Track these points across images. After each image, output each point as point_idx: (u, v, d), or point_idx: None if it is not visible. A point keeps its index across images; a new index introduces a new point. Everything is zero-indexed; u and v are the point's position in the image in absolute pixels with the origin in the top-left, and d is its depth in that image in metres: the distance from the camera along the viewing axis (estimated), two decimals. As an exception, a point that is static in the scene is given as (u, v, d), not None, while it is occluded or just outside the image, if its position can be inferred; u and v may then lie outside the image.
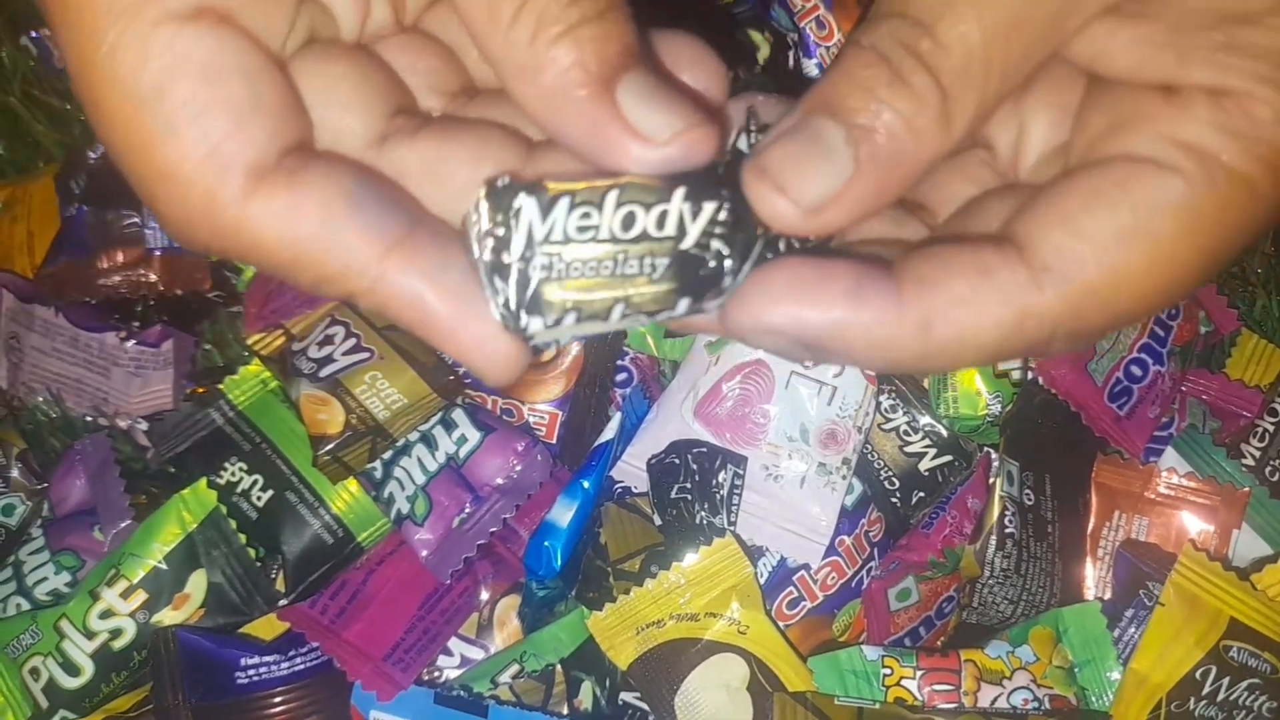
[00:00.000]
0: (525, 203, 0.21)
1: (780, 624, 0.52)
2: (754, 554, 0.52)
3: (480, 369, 0.23)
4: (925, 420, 0.55)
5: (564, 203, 0.22)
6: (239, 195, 0.21)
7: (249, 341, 0.59)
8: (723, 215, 0.23)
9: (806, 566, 0.53)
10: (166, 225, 0.23)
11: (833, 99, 0.22)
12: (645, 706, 0.51)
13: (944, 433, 0.55)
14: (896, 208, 0.27)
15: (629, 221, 0.22)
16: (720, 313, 0.23)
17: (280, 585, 0.55)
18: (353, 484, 0.55)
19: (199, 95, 0.21)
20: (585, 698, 0.53)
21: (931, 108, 0.22)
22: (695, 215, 0.22)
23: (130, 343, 0.62)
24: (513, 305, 0.22)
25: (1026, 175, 0.27)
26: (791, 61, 0.63)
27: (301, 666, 0.52)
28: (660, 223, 0.22)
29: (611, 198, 0.22)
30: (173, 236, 0.23)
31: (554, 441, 0.57)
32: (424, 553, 0.53)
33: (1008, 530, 0.52)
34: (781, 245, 0.23)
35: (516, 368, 0.23)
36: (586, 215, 0.22)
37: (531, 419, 0.57)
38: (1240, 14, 0.22)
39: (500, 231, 0.21)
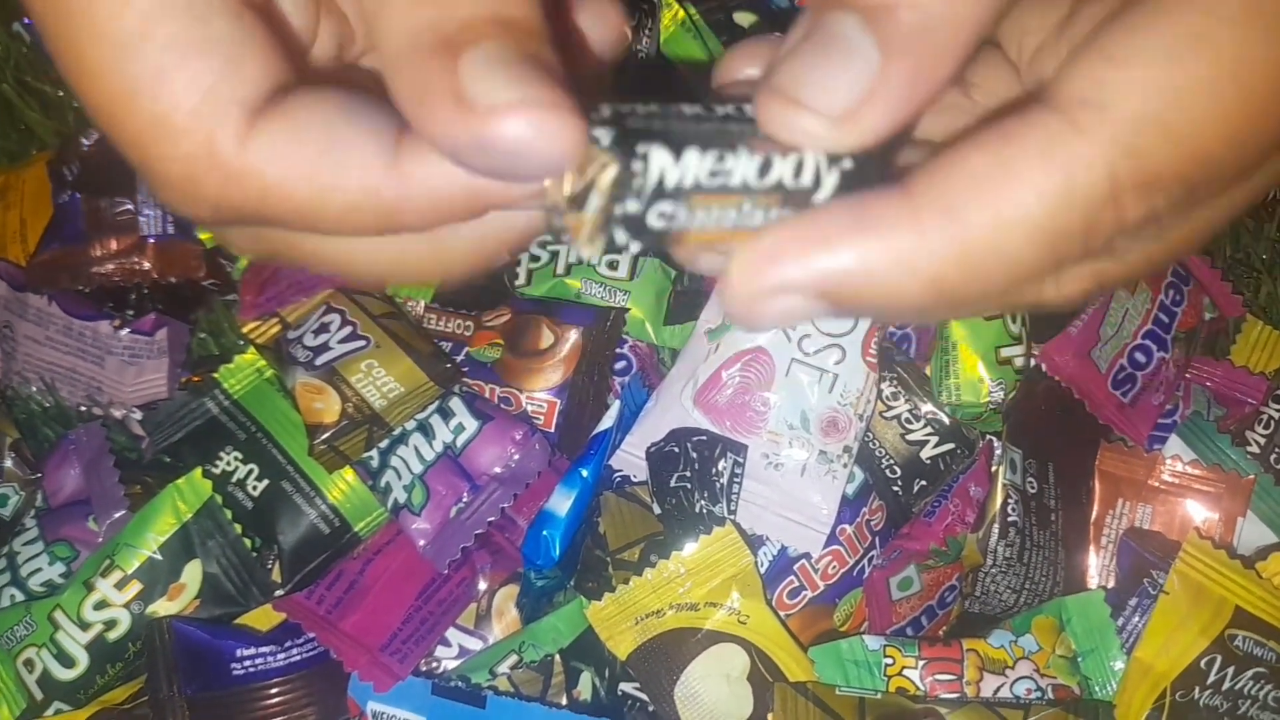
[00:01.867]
0: (654, 149, 0.19)
1: (781, 614, 0.51)
2: (754, 543, 0.52)
3: (544, 157, 0.18)
4: (927, 408, 0.55)
5: (695, 148, 0.19)
6: (240, 137, 0.19)
7: (244, 330, 0.58)
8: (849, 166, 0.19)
9: (807, 555, 0.52)
10: (167, 190, 0.20)
11: None
12: (645, 697, 0.51)
13: (946, 420, 0.55)
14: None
15: (765, 168, 0.19)
16: (720, 298, 0.20)
17: (276, 575, 0.55)
18: (349, 473, 0.55)
19: (185, 35, 0.19)
20: (584, 688, 0.52)
21: None
22: (831, 165, 0.19)
23: (124, 331, 0.61)
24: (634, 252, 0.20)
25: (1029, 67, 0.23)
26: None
27: (298, 657, 0.52)
28: (797, 172, 0.19)
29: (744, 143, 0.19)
30: (176, 205, 0.21)
31: (552, 430, 0.56)
32: (421, 542, 0.53)
33: (1010, 518, 0.52)
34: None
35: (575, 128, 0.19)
36: (720, 159, 0.19)
37: (530, 407, 0.56)
38: None
39: (625, 180, 0.19)
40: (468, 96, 0.18)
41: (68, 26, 0.19)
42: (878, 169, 0.19)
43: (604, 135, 0.18)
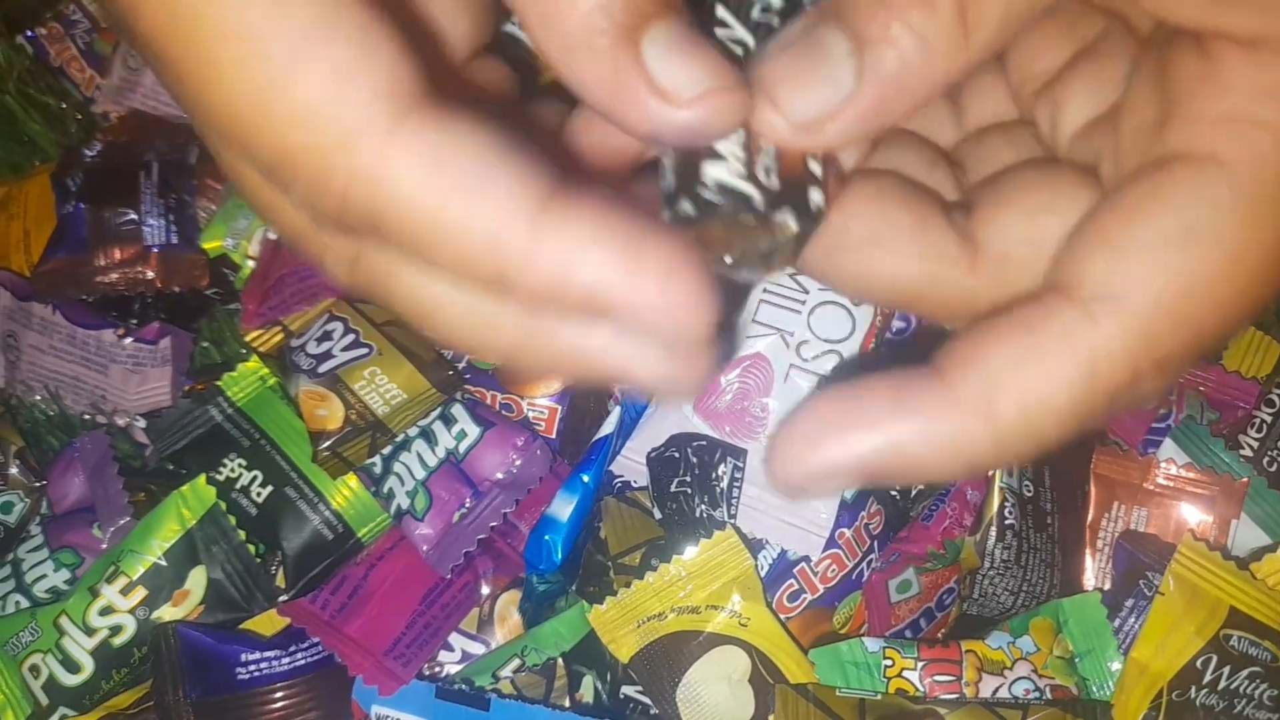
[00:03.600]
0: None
1: (781, 616, 0.52)
2: (754, 547, 0.52)
3: (672, 324, 0.19)
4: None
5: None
6: (382, 129, 0.18)
7: (247, 338, 0.59)
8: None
9: (807, 559, 0.53)
10: (296, 186, 0.19)
11: (841, 6, 0.20)
12: (647, 700, 0.51)
13: (943, 425, 0.55)
14: (933, 154, 0.24)
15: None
16: (766, 470, 0.21)
17: (280, 581, 0.55)
18: (352, 480, 0.55)
19: (321, 20, 0.18)
20: (587, 691, 0.53)
21: (946, 17, 0.19)
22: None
23: (128, 340, 0.62)
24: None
25: (1065, 151, 0.24)
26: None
27: (302, 662, 0.52)
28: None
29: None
30: (302, 200, 0.19)
31: (553, 436, 0.57)
32: (424, 548, 0.53)
33: (1007, 521, 0.52)
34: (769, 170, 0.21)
35: (706, 315, 0.19)
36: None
37: (531, 414, 0.57)
38: None
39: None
40: (663, 88, 0.19)
41: (182, 33, 0.18)
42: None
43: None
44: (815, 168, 0.21)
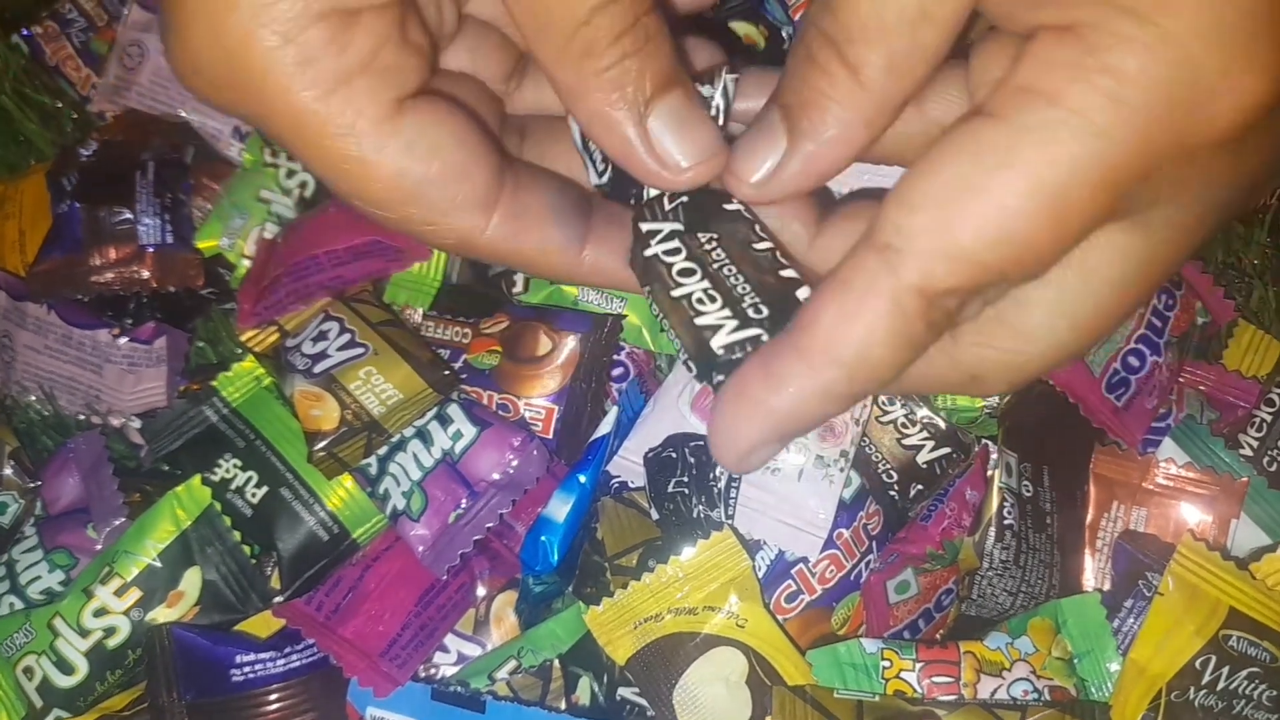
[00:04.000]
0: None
1: (779, 617, 0.51)
2: (752, 547, 0.52)
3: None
4: (923, 412, 0.55)
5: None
6: (480, 228, 0.27)
7: (242, 338, 0.59)
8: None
9: (805, 560, 0.53)
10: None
11: (778, 88, 0.26)
12: (644, 701, 0.51)
13: (942, 425, 0.55)
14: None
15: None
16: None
17: (275, 582, 0.55)
18: (348, 480, 0.55)
19: (429, 169, 0.26)
20: (583, 693, 0.53)
21: (839, 78, 0.24)
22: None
23: (123, 340, 0.62)
24: None
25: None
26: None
27: (297, 663, 0.52)
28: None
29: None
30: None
31: (550, 436, 0.56)
32: (420, 549, 0.53)
33: (1006, 522, 0.52)
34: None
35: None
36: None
37: (528, 414, 0.56)
38: None
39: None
40: (664, 160, 0.26)
41: (346, 175, 0.26)
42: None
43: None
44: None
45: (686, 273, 0.26)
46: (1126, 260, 0.24)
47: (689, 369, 0.26)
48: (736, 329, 0.25)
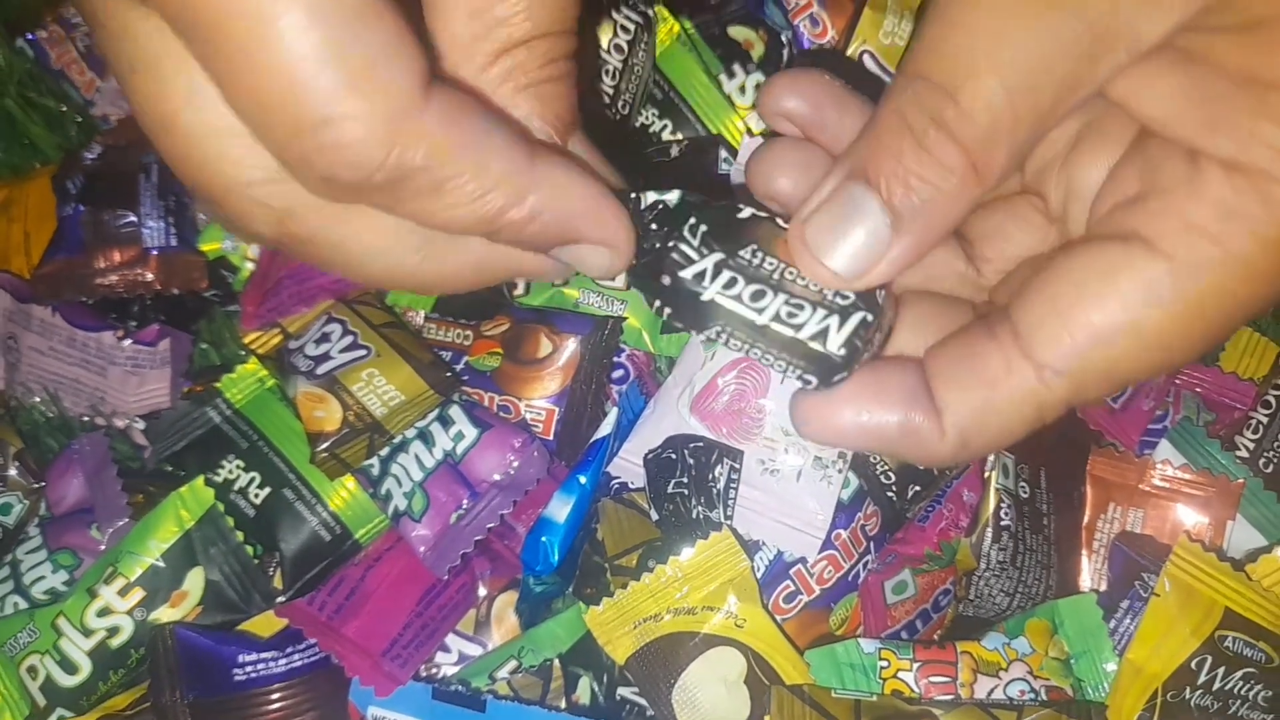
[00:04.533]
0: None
1: (777, 617, 0.52)
2: (751, 548, 0.52)
3: (618, 247, 0.26)
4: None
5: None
6: (420, 95, 0.22)
7: (245, 340, 0.59)
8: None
9: (803, 560, 0.53)
10: (346, 148, 0.23)
11: (866, 164, 0.24)
12: (643, 701, 0.51)
13: (939, 426, 0.55)
14: (954, 250, 0.29)
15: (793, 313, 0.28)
16: (792, 413, 0.27)
17: (278, 582, 0.55)
18: (350, 481, 0.55)
19: (358, 17, 0.22)
20: (583, 693, 0.53)
21: (957, 173, 0.23)
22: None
23: (127, 342, 0.62)
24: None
25: (1075, 227, 0.28)
26: (785, 59, 0.63)
27: (299, 663, 0.52)
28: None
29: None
30: (350, 164, 0.23)
31: (550, 438, 0.57)
32: (422, 549, 0.53)
33: (1003, 523, 0.52)
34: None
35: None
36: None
37: (529, 415, 0.57)
38: (1269, 78, 0.22)
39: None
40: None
41: (238, 56, 0.22)
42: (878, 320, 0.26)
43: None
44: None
45: (758, 295, 0.25)
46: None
47: (807, 383, 0.25)
48: (841, 324, 0.25)
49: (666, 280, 0.26)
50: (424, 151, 0.22)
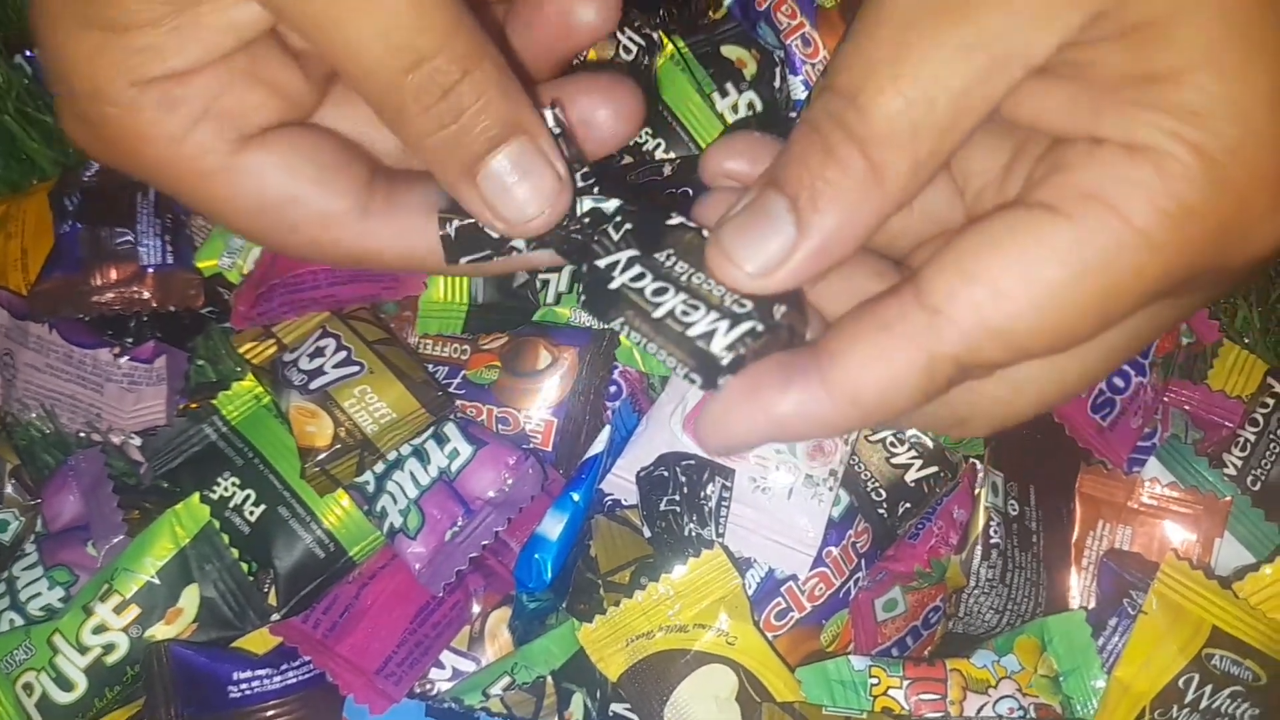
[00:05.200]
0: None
1: (768, 634, 0.52)
2: (742, 565, 0.53)
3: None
4: (911, 432, 0.56)
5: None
6: (356, 227, 0.27)
7: (241, 349, 0.59)
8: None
9: (794, 577, 0.53)
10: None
11: (778, 173, 0.25)
12: (635, 717, 0.52)
13: (930, 444, 0.56)
14: (884, 270, 0.29)
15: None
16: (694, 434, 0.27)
17: (272, 599, 0.56)
18: (344, 498, 0.55)
19: (293, 182, 0.28)
20: (576, 709, 0.53)
21: (858, 175, 0.24)
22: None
23: (123, 359, 0.62)
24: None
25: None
26: (778, 79, 0.64)
27: (294, 680, 0.52)
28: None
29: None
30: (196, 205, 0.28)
31: (549, 449, 0.57)
32: (417, 566, 0.54)
33: (993, 540, 0.53)
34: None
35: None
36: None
37: (527, 427, 0.57)
38: (1159, 72, 0.23)
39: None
40: (505, 214, 0.27)
41: (213, 206, 0.28)
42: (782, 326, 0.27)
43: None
44: None
45: (660, 291, 0.27)
46: (1122, 329, 0.26)
47: (693, 381, 0.26)
48: (730, 328, 0.26)
49: (584, 267, 0.28)
50: (368, 260, 0.29)
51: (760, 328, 0.26)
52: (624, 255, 0.27)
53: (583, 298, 0.28)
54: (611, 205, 0.28)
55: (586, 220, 0.28)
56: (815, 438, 0.27)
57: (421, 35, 0.24)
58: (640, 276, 0.27)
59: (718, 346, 0.26)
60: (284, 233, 0.28)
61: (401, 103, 0.25)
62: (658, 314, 0.26)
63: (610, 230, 0.28)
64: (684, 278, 0.27)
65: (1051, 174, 0.24)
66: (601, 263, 0.27)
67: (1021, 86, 0.24)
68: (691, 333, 0.26)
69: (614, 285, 0.27)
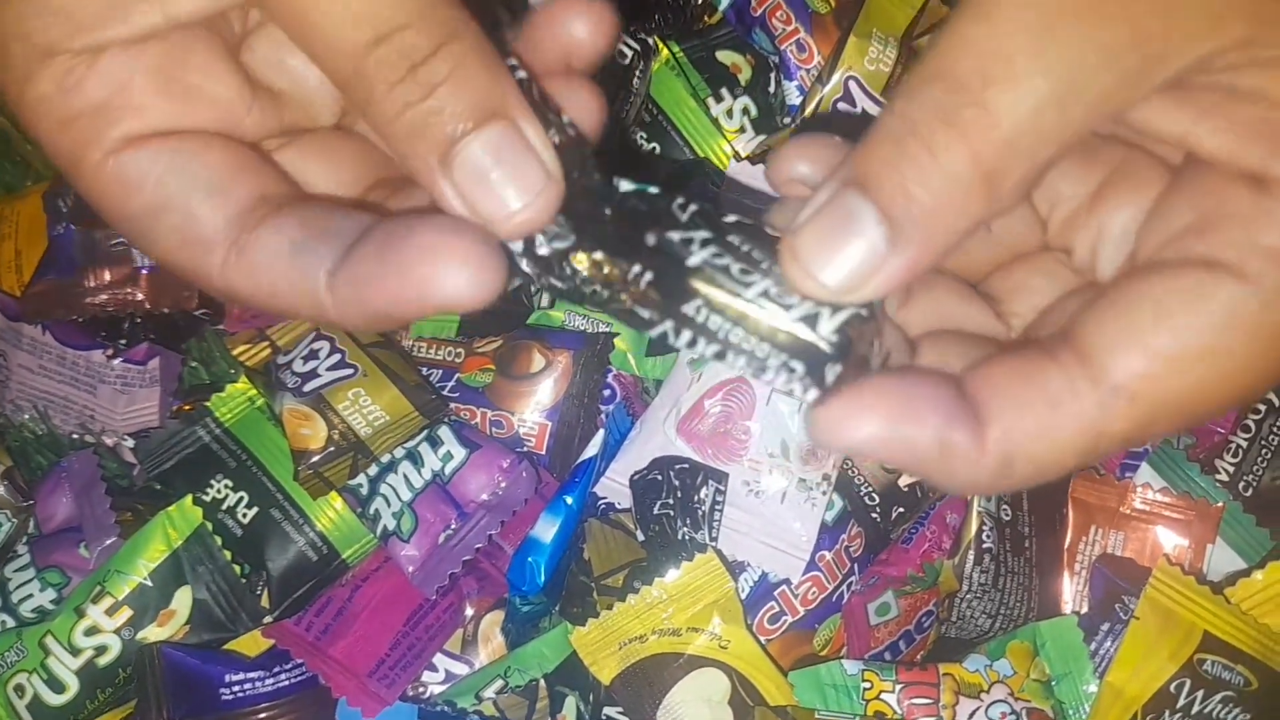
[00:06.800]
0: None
1: (761, 638, 0.52)
2: (735, 569, 0.53)
3: (459, 298, 0.23)
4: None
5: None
6: (217, 266, 0.24)
7: (234, 351, 0.59)
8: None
9: (787, 581, 0.53)
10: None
11: (864, 171, 0.22)
12: (628, 721, 0.52)
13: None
14: (966, 292, 0.27)
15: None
16: (809, 420, 0.23)
17: (265, 602, 0.56)
18: (337, 501, 0.55)
19: (151, 203, 0.24)
20: (569, 713, 0.53)
21: (966, 182, 0.21)
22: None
23: (117, 360, 0.62)
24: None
25: (1105, 278, 0.26)
26: (772, 84, 0.64)
27: (286, 683, 0.52)
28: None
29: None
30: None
31: (543, 452, 0.57)
32: (410, 569, 0.54)
33: (985, 545, 0.53)
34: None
35: (493, 275, 0.23)
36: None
37: (521, 430, 0.57)
38: None
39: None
40: (484, 209, 0.22)
41: (93, 199, 0.25)
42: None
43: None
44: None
45: (746, 271, 0.23)
46: None
47: (790, 392, 0.23)
48: (833, 313, 0.22)
49: (651, 240, 0.23)
50: (240, 300, 0.24)
51: (864, 313, 0.23)
52: (698, 234, 0.23)
53: (646, 278, 0.23)
54: (655, 189, 0.24)
55: (634, 194, 0.24)
56: (936, 482, 0.23)
57: (390, 4, 0.22)
58: (721, 254, 0.23)
59: (824, 330, 0.22)
60: (156, 245, 0.24)
61: (367, 80, 0.22)
62: (747, 296, 0.23)
63: (675, 209, 0.23)
64: (764, 264, 0.23)
65: (1220, 221, 0.22)
66: (675, 235, 0.23)
67: (1169, 105, 0.22)
68: (791, 315, 0.23)
69: (693, 261, 0.23)
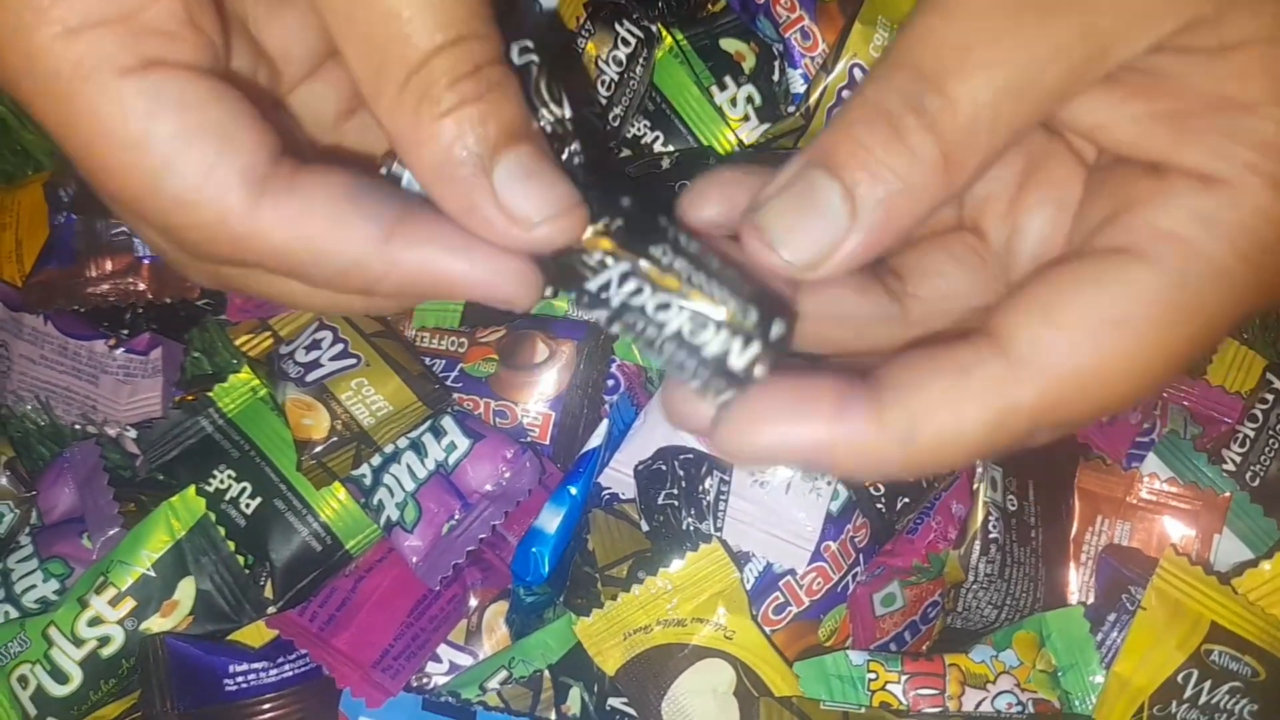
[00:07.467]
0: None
1: (766, 629, 0.52)
2: (740, 560, 0.53)
3: (507, 297, 0.24)
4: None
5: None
6: (247, 205, 0.23)
7: (237, 341, 0.59)
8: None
9: (792, 572, 0.53)
10: (187, 256, 0.25)
11: (832, 153, 0.22)
12: (633, 712, 0.52)
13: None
14: (868, 276, 0.27)
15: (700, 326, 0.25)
16: (709, 436, 0.24)
17: (269, 592, 0.55)
18: (341, 491, 0.55)
19: (183, 127, 0.22)
20: (573, 703, 0.53)
21: (928, 165, 0.22)
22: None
23: (119, 350, 0.62)
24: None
25: (1019, 274, 0.27)
26: (776, 72, 0.63)
27: (290, 673, 0.52)
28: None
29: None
30: (192, 272, 0.26)
31: (547, 442, 0.57)
32: (414, 559, 0.54)
33: (991, 535, 0.53)
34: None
35: (536, 284, 0.24)
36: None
37: (525, 420, 0.57)
38: (1241, 101, 0.22)
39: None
40: (514, 216, 0.23)
41: (76, 135, 0.22)
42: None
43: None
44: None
45: (663, 307, 0.24)
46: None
47: (709, 391, 0.24)
48: (744, 346, 0.23)
49: (574, 294, 0.25)
50: (264, 250, 0.23)
51: (762, 348, 0.24)
52: (615, 272, 0.24)
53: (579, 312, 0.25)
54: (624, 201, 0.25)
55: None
56: (847, 473, 0.23)
57: (440, 18, 0.22)
58: (638, 292, 0.24)
59: (736, 364, 0.23)
60: (170, 180, 0.22)
61: (412, 90, 0.22)
62: (668, 331, 0.24)
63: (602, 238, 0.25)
64: (687, 276, 0.24)
65: (1124, 210, 0.23)
66: (592, 285, 0.24)
67: (1092, 92, 0.23)
68: (706, 353, 0.24)
69: (614, 303, 0.24)
